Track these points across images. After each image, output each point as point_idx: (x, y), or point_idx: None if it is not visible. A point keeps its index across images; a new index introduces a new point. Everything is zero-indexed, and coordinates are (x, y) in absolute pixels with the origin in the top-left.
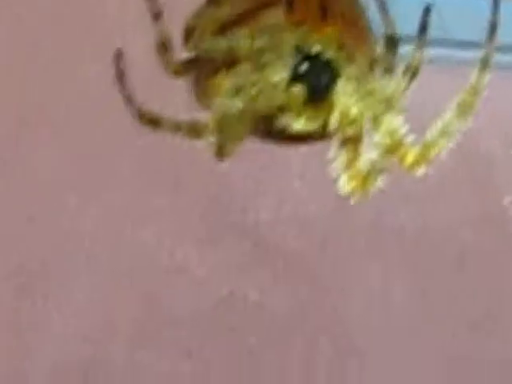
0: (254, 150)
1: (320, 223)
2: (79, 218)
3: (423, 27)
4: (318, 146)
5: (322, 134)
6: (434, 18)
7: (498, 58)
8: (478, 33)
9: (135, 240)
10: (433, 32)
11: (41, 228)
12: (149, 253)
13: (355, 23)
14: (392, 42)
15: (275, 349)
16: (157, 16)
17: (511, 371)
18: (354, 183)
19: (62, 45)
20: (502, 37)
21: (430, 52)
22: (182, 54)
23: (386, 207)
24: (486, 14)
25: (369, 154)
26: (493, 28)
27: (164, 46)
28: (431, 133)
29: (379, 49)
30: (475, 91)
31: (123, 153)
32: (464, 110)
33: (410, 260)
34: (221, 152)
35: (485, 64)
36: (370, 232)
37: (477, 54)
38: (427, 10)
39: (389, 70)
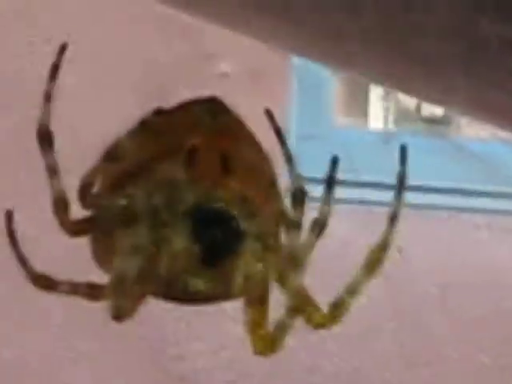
0: None
1: (257, 368)
2: (16, 359)
3: (330, 181)
4: None
5: (226, 295)
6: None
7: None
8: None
9: (69, 382)
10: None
11: None
12: None
13: (260, 176)
14: (299, 196)
15: None
16: (53, 172)
17: None
18: (262, 343)
19: None
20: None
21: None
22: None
23: (322, 351)
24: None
25: (276, 314)
26: (401, 182)
27: (60, 204)
28: (338, 292)
29: (286, 203)
30: (383, 247)
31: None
32: (372, 266)
33: None
34: (118, 314)
35: (393, 220)
36: (307, 377)
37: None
38: (334, 163)
39: (296, 224)
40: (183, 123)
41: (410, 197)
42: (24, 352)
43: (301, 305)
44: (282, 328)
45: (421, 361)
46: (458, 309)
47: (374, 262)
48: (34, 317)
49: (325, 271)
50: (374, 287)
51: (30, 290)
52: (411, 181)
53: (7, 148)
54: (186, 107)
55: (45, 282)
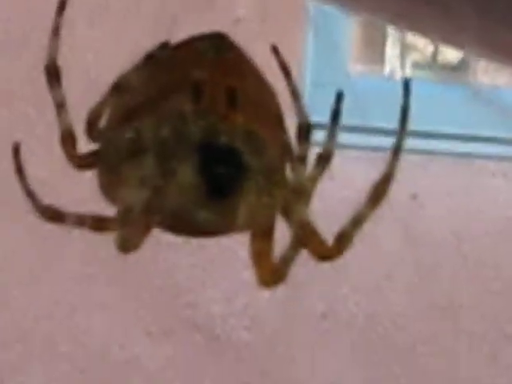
0: (198, 240)
1: (271, 314)
2: (32, 305)
3: (335, 114)
4: None
5: (232, 228)
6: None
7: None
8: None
9: (84, 329)
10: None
11: None
12: (99, 344)
13: (266, 111)
14: (305, 130)
15: None
16: (60, 108)
17: None
18: (266, 275)
19: None
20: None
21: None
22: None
23: (336, 297)
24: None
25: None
26: (404, 115)
27: (68, 139)
28: (343, 224)
29: (292, 137)
30: (387, 178)
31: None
32: (376, 198)
33: (362, 350)
34: (125, 245)
35: (396, 152)
36: (321, 322)
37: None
38: (339, 97)
39: (301, 158)
40: (188, 58)
41: (424, 143)
42: (38, 298)
43: (305, 237)
44: (287, 260)
45: (435, 308)
46: (473, 256)
47: (377, 194)
48: (48, 263)
49: (336, 216)
50: (389, 234)
51: (46, 236)
52: (426, 127)
53: (20, 89)
54: (191, 42)
55: (52, 214)
